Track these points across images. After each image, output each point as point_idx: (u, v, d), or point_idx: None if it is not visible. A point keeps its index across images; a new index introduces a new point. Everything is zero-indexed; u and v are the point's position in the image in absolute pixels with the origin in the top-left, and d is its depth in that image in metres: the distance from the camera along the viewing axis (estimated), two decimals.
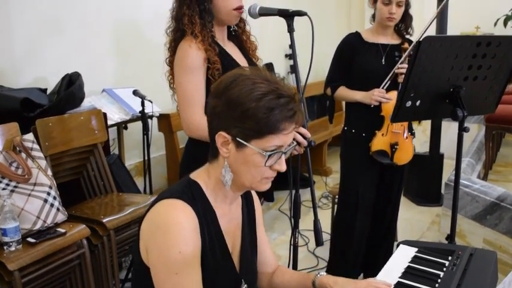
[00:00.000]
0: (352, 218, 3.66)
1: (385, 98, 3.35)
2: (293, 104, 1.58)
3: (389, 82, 3.38)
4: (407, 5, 3.48)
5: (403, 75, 3.34)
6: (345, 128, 3.69)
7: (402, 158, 3.55)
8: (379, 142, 3.47)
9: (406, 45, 3.49)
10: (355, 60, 3.53)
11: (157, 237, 1.58)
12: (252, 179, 1.64)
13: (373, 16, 3.62)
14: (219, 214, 1.72)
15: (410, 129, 3.58)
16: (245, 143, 1.57)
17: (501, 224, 3.72)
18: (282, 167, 1.65)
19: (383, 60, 3.47)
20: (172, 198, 1.62)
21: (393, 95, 3.35)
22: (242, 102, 1.54)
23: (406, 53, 3.38)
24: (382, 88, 3.38)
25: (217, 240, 1.70)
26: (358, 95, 3.47)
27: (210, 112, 1.65)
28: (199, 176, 1.73)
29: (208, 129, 1.67)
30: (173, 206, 1.60)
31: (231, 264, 1.77)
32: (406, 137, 3.53)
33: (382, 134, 3.47)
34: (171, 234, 1.55)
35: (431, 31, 5.57)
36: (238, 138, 1.57)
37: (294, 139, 2.25)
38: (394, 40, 3.55)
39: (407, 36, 3.61)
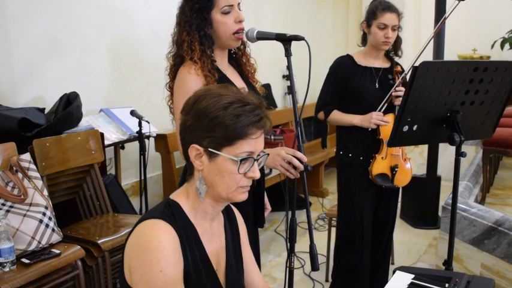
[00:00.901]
0: (359, 244, 3.63)
1: (384, 121, 3.36)
2: (259, 110, 1.63)
3: (386, 105, 3.39)
4: (399, 28, 3.50)
5: (398, 98, 3.39)
6: (341, 153, 3.66)
7: (402, 180, 3.55)
8: (380, 165, 3.47)
9: (398, 68, 3.51)
10: (349, 83, 3.53)
11: (139, 257, 1.58)
12: (227, 189, 1.66)
13: (363, 39, 3.63)
14: (200, 232, 1.73)
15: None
16: (217, 151, 1.61)
17: (499, 248, 3.70)
18: (256, 173, 1.68)
19: (376, 84, 3.49)
20: (154, 218, 1.64)
21: (390, 117, 3.38)
22: (210, 112, 1.60)
23: (403, 75, 3.40)
24: (379, 111, 3.39)
25: (200, 258, 1.71)
26: (356, 119, 3.46)
27: (181, 129, 1.69)
28: (178, 195, 1.75)
29: (182, 146, 1.71)
30: (154, 226, 1.61)
31: (217, 282, 1.77)
32: (405, 159, 3.53)
33: (382, 157, 3.46)
34: (152, 254, 1.56)
35: (429, 54, 5.61)
36: (209, 149, 1.61)
37: (288, 162, 2.26)
38: (385, 63, 3.58)
39: (396, 59, 3.64)
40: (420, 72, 2.29)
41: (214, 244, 1.80)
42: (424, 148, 6.62)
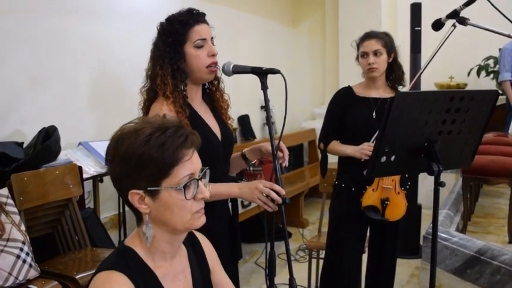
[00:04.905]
0: (338, 273, 3.61)
1: None
2: (182, 130, 1.58)
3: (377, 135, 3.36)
4: (395, 54, 3.52)
5: None
6: (336, 182, 3.66)
7: (394, 213, 3.45)
8: (370, 197, 3.41)
9: None
10: (346, 114, 3.53)
11: None
12: (182, 220, 1.59)
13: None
14: (160, 275, 1.65)
15: (404, 184, 3.50)
16: (157, 188, 1.54)
17: (482, 278, 3.69)
18: (205, 193, 1.62)
19: (374, 114, 3.46)
20: (106, 270, 1.56)
21: None
22: (133, 152, 1.52)
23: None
24: (372, 142, 3.34)
25: None
26: (349, 149, 3.44)
27: (112, 179, 1.61)
28: (132, 241, 1.67)
29: (119, 195, 1.63)
30: (106, 280, 1.54)
31: None
32: (398, 193, 3.44)
33: (373, 189, 3.41)
34: None
35: (406, 81, 5.66)
36: (148, 188, 1.55)
37: (267, 196, 2.25)
38: (387, 93, 3.53)
39: (400, 88, 3.60)
40: (396, 103, 2.29)
41: (178, 283, 1.72)
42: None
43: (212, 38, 2.49)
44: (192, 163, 1.58)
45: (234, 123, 2.76)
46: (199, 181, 1.61)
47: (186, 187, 1.55)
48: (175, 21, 2.42)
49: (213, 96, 2.66)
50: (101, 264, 1.62)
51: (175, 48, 2.41)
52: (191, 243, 1.86)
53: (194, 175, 1.59)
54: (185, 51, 2.42)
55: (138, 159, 1.52)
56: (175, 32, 2.41)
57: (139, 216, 1.63)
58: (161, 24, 2.47)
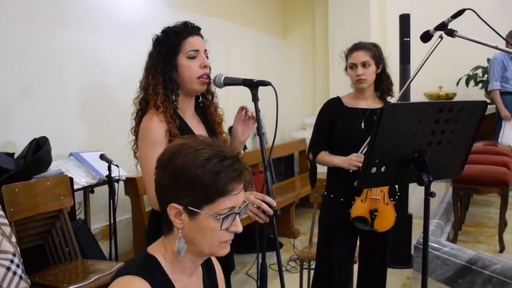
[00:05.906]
0: (328, 282, 3.59)
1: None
2: (238, 164, 1.60)
3: (367, 147, 3.34)
4: (384, 65, 3.52)
5: None
6: (325, 193, 3.65)
7: (383, 224, 3.45)
8: (358, 208, 3.40)
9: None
10: (335, 124, 3.52)
11: None
12: (210, 246, 1.62)
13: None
14: (178, 287, 1.68)
15: (393, 195, 3.51)
16: (197, 210, 1.57)
17: None
18: (238, 227, 1.64)
19: (362, 125, 3.45)
20: (130, 275, 1.59)
21: None
22: (187, 171, 1.55)
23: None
24: (361, 153, 3.33)
25: None
26: (337, 160, 3.43)
27: (158, 186, 1.64)
28: (156, 249, 1.70)
29: (159, 203, 1.66)
30: (130, 284, 1.57)
31: None
32: (387, 203, 3.44)
33: (361, 200, 3.39)
34: None
35: (395, 91, 5.68)
36: (189, 207, 1.57)
37: (258, 207, 2.26)
38: (375, 104, 3.53)
39: (389, 99, 3.59)
40: (386, 114, 2.30)
41: None
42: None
43: (206, 50, 2.51)
44: (237, 198, 1.61)
45: (227, 137, 2.76)
46: (237, 215, 1.64)
47: (224, 218, 1.58)
48: (170, 32, 2.45)
49: (206, 110, 2.67)
50: (124, 267, 1.66)
51: (168, 59, 2.43)
52: (206, 266, 1.89)
53: (234, 209, 1.61)
54: (178, 62, 2.44)
55: (190, 179, 1.55)
56: (169, 43, 2.43)
57: (169, 227, 1.66)
58: (156, 35, 2.49)
